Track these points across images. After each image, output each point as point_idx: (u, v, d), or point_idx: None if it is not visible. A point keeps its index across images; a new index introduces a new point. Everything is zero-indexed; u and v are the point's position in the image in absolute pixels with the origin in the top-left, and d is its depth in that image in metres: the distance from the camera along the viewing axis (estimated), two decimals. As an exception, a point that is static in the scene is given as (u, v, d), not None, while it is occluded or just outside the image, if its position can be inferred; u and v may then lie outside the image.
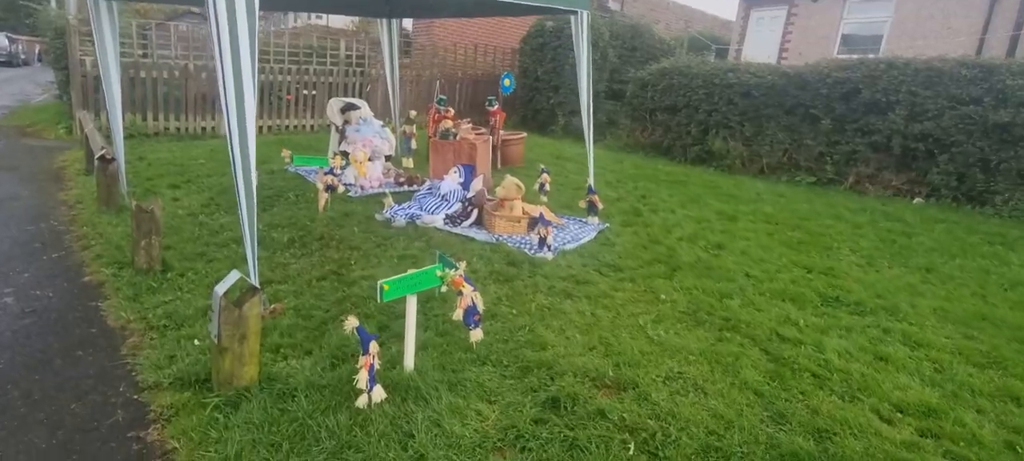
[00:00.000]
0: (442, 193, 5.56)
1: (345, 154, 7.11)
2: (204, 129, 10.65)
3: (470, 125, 6.04)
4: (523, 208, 5.24)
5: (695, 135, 9.60)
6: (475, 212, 5.35)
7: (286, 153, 7.93)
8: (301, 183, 6.95)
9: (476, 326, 3.00)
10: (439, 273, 2.85)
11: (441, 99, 8.68)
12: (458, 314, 2.93)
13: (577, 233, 5.20)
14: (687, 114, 9.79)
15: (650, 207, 6.35)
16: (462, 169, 5.76)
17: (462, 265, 2.96)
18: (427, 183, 5.98)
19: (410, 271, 2.83)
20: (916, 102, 7.01)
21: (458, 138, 5.98)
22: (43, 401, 2.66)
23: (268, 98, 11.29)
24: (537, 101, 12.96)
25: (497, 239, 4.96)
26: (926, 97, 6.92)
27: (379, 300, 2.66)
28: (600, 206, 5.47)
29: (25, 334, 3.24)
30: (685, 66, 9.95)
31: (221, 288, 2.55)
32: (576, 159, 9.47)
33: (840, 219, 6.07)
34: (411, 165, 7.99)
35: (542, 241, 4.49)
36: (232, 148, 3.17)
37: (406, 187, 6.84)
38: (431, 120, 8.68)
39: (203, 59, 10.92)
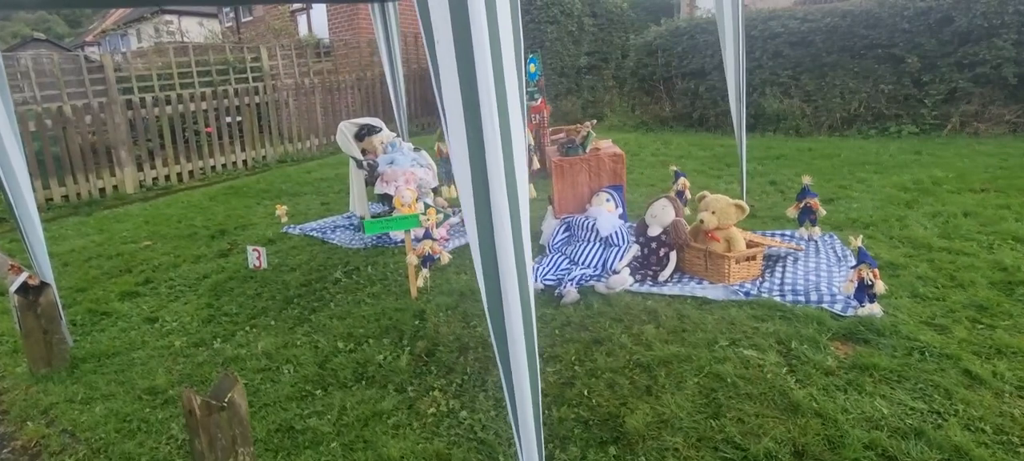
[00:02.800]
0: (603, 234, 3.75)
1: (398, 200, 5.03)
2: (103, 191, 7.76)
3: (591, 124, 4.21)
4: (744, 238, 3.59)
5: (736, 99, 8.37)
6: (673, 255, 3.61)
7: (281, 210, 5.63)
8: (329, 253, 4.76)
9: None
10: None
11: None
12: None
13: (823, 259, 3.65)
14: (720, 75, 8.52)
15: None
16: (614, 195, 3.98)
17: None
18: (553, 222, 4.13)
19: None
20: (1025, 22, 6.23)
21: (588, 151, 4.16)
22: None
23: (183, 135, 8.56)
24: (513, 88, 11.15)
25: (747, 293, 3.27)
26: (1039, 14, 6.15)
27: None
28: (822, 212, 3.95)
29: None
30: (709, 21, 8.68)
31: None
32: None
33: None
34: (454, 195, 5.98)
35: (866, 288, 2.88)
36: (492, 235, 1.54)
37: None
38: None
39: (86, 97, 7.92)
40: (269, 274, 4.40)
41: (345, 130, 5.19)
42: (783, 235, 4.06)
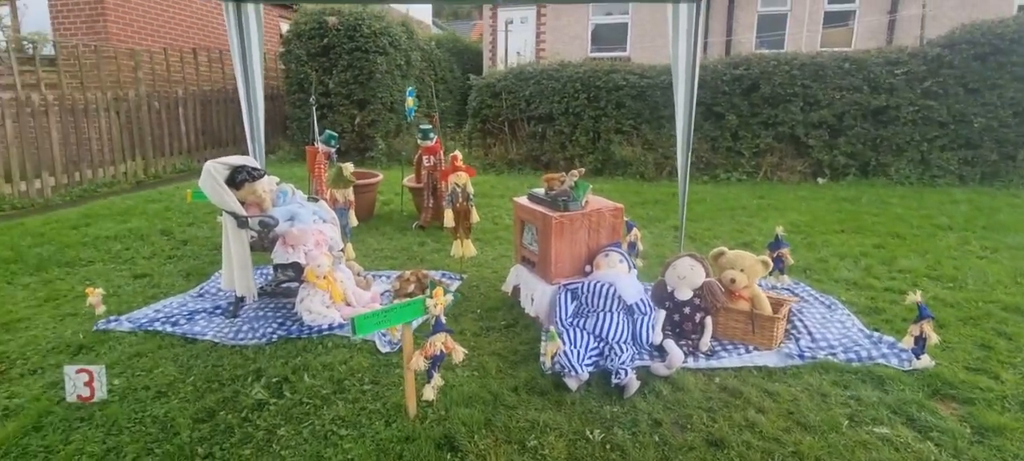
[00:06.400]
0: (629, 301, 3.23)
1: (301, 268, 3.71)
2: None
3: (579, 171, 3.64)
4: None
5: (584, 144, 8.70)
6: (709, 320, 3.28)
7: (95, 296, 3.69)
8: (212, 357, 3.26)
9: None
10: None
11: (331, 136, 5.49)
12: None
13: (816, 308, 3.72)
14: (568, 122, 8.77)
15: (803, 248, 5.13)
16: (624, 255, 3.50)
17: None
18: (549, 289, 3.47)
19: None
20: (809, 93, 7.78)
21: (586, 205, 3.59)
22: None
23: None
24: (335, 122, 9.77)
25: (801, 356, 3.10)
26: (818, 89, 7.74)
27: None
28: (790, 261, 4.09)
29: None
30: (555, 69, 8.86)
31: None
32: (489, 193, 7.39)
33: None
34: (353, 255, 4.74)
35: (923, 343, 2.95)
36: None
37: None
38: (317, 169, 5.41)
39: None
40: (117, 408, 2.76)
41: (214, 173, 3.65)
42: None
